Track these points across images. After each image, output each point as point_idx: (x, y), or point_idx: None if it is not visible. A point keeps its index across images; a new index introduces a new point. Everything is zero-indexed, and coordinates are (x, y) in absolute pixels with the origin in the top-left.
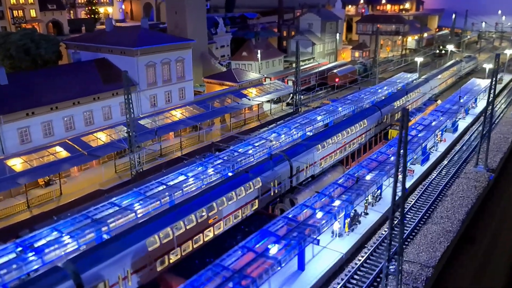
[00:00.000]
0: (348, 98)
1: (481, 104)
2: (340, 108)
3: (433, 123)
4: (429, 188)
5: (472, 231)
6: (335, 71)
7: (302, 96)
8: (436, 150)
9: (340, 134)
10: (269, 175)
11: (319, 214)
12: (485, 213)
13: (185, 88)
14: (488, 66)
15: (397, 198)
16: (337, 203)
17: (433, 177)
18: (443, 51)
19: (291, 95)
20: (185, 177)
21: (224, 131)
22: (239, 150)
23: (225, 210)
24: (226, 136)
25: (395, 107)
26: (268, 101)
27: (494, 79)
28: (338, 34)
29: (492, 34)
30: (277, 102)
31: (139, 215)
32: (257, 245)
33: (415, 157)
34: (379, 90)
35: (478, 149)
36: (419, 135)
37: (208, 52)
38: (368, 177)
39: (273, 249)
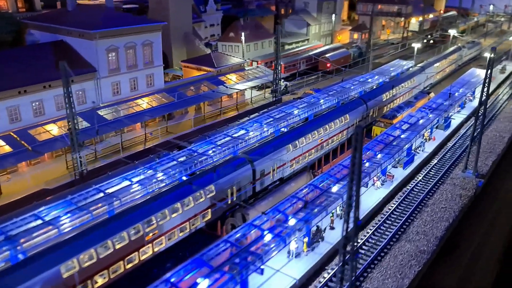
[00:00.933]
0: (333, 89)
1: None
2: (322, 100)
3: (421, 121)
4: (409, 196)
5: (451, 245)
6: (327, 55)
7: (288, 83)
8: (422, 151)
9: (316, 131)
10: (221, 184)
11: (268, 237)
12: (469, 224)
13: (153, 74)
14: (488, 56)
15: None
16: (291, 222)
17: (416, 182)
18: (431, 41)
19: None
20: (129, 183)
21: (197, 122)
22: (199, 150)
23: (168, 224)
24: (197, 128)
25: (384, 99)
26: (249, 88)
27: (488, 73)
28: (334, 15)
29: (500, 17)
30: (262, 88)
31: (63, 231)
32: (185, 278)
33: (397, 159)
34: (369, 80)
35: (467, 152)
36: (402, 136)
37: (193, 32)
38: (334, 189)
39: (202, 285)
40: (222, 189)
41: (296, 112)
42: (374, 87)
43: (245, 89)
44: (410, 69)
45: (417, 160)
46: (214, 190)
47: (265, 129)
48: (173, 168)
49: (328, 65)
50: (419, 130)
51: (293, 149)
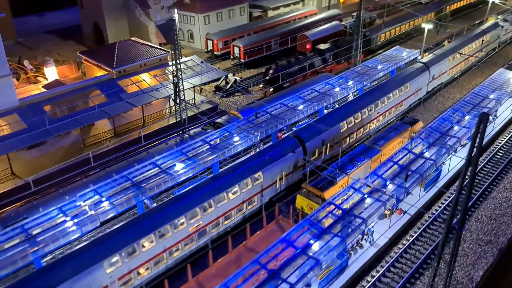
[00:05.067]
0: (272, 110)
1: (504, 111)
2: (236, 137)
3: (368, 202)
4: None
5: None
6: (307, 33)
7: (237, 78)
8: (370, 243)
9: (184, 217)
10: None
11: None
12: None
13: None
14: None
15: None
16: None
17: None
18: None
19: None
20: None
21: (73, 152)
22: None
23: None
24: (67, 165)
25: (343, 129)
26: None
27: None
28: None
29: None
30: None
31: None
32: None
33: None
34: (337, 88)
35: (431, 273)
36: (313, 246)
37: None
38: None
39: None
40: None
41: (178, 167)
42: (340, 104)
43: (150, 102)
44: (416, 62)
45: (354, 267)
46: None
47: (104, 209)
48: None
49: (308, 46)
50: (348, 234)
51: (124, 261)
